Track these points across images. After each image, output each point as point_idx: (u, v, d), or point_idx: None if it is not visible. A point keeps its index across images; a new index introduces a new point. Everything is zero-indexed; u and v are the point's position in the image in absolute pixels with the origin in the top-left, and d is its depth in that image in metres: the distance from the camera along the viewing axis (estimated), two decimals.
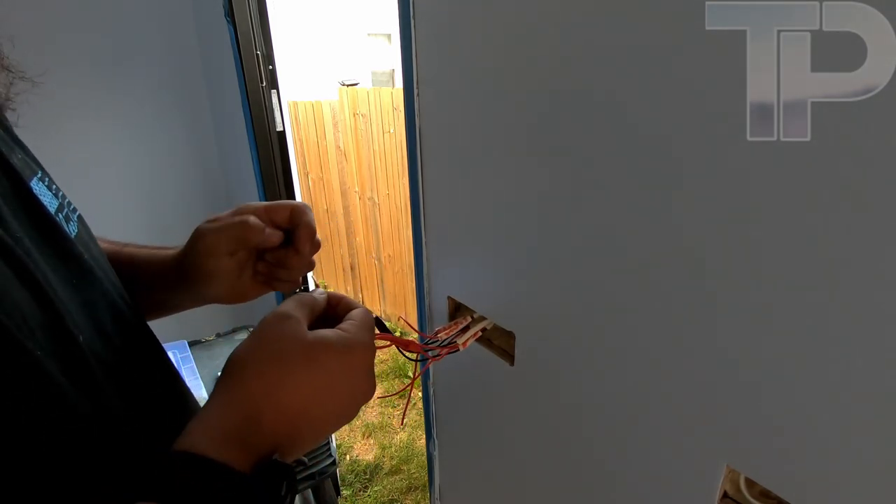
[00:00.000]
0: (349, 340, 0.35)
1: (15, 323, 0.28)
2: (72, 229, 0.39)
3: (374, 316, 0.41)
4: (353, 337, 0.36)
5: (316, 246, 0.49)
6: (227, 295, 0.51)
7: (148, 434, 0.37)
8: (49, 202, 0.37)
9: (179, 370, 1.62)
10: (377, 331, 0.41)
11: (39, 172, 0.40)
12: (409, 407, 0.74)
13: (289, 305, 0.37)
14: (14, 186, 0.35)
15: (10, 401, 0.28)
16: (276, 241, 0.47)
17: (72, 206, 0.42)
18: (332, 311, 0.41)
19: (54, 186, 0.40)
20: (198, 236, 0.47)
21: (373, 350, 0.38)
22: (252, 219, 0.46)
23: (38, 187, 0.37)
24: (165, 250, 0.52)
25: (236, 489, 0.29)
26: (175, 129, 1.69)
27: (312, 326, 0.37)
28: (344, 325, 0.37)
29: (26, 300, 0.30)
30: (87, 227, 0.43)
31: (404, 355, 0.53)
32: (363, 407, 2.74)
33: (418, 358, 0.55)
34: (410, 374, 2.83)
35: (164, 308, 0.55)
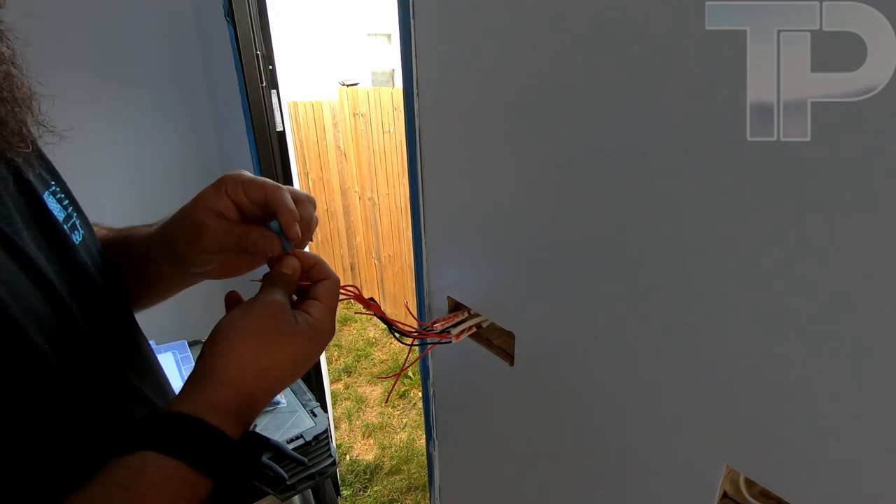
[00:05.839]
0: (317, 328, 0.42)
1: (29, 321, 0.34)
2: (76, 237, 0.44)
3: (370, 298, 0.50)
4: (319, 324, 0.42)
5: (306, 227, 0.45)
6: (217, 267, 0.50)
7: (123, 419, 0.43)
8: (58, 213, 0.43)
9: (179, 369, 1.62)
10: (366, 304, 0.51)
11: (53, 185, 0.45)
12: (396, 384, 0.75)
13: (277, 294, 0.41)
14: (29, 201, 0.40)
15: (21, 391, 0.33)
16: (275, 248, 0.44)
17: (77, 214, 0.46)
18: (306, 276, 0.45)
19: (65, 200, 0.46)
20: (200, 195, 0.46)
21: (334, 328, 0.45)
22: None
23: (49, 200, 0.42)
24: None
25: (233, 454, 0.35)
26: (175, 129, 1.69)
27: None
28: (314, 310, 0.43)
29: (39, 300, 0.36)
30: (92, 233, 0.48)
31: (394, 335, 0.56)
32: (363, 406, 2.74)
33: (394, 332, 0.58)
34: (409, 373, 2.83)
35: (155, 285, 0.55)
